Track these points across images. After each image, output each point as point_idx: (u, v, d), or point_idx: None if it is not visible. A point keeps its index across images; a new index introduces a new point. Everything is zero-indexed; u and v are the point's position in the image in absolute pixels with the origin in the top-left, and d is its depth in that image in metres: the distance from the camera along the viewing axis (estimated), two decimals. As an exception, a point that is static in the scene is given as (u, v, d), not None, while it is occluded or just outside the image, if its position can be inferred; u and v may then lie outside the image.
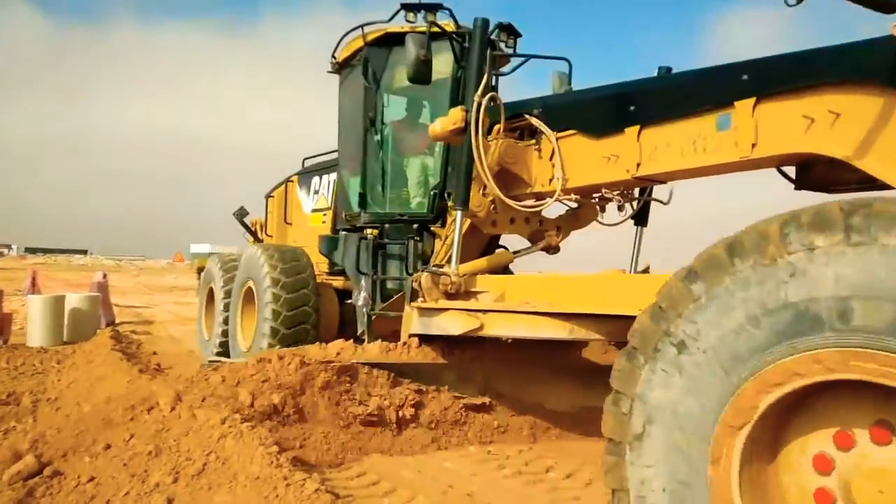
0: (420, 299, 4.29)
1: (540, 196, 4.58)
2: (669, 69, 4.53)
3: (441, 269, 4.20)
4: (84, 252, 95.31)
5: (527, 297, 3.97)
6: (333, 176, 7.14)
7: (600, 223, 4.78)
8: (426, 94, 5.94)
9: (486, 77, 4.13)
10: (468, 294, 4.22)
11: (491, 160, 4.54)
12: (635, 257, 4.91)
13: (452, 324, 3.92)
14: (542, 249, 4.96)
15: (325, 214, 7.27)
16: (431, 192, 5.66)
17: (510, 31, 5.71)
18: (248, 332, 6.57)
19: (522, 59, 5.66)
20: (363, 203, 6.00)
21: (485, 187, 4.59)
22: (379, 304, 5.82)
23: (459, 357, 4.45)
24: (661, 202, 4.48)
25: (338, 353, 4.36)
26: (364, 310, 5.80)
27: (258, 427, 3.34)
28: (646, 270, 4.98)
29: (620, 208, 4.45)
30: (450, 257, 4.40)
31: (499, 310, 3.78)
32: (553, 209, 5.01)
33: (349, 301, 6.55)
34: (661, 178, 3.78)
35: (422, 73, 4.91)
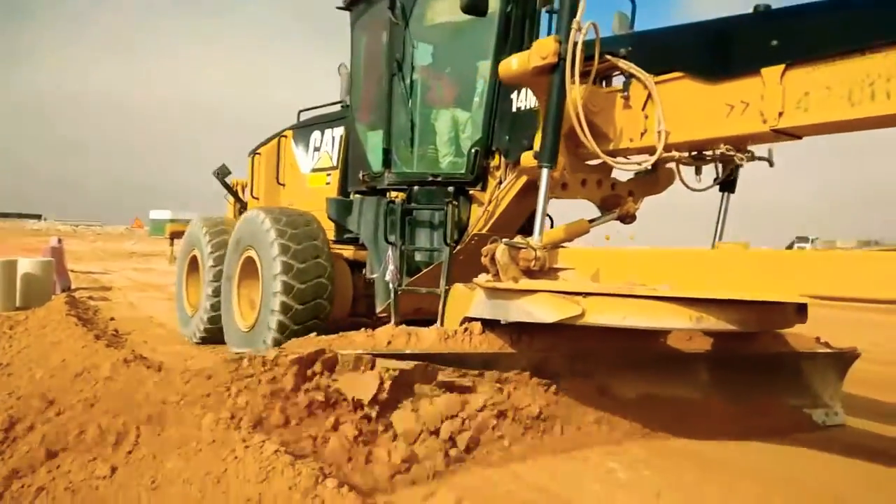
0: (487, 276, 3.52)
1: (625, 153, 3.85)
2: (768, 6, 3.80)
3: (521, 241, 3.42)
4: (38, 217, 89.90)
5: (629, 276, 3.25)
6: (339, 130, 6.22)
7: (688, 187, 4.08)
8: (466, 33, 5.07)
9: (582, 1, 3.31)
10: (550, 271, 3.47)
11: (570, 108, 3.78)
12: (720, 230, 4.23)
13: (544, 309, 3.17)
14: (618, 218, 4.25)
15: (328, 174, 6.36)
16: (472, 150, 4.83)
17: None
18: (247, 309, 5.69)
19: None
20: (388, 161, 5.14)
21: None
22: (405, 279, 5.04)
23: (529, 345, 3.71)
24: (767, 161, 3.77)
25: (389, 343, 3.57)
26: (391, 285, 4.99)
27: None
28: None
29: (698, 171, 3.77)
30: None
31: (607, 293, 3.05)
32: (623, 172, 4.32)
33: (363, 273, 5.74)
34: (811, 132, 3.08)
35: (476, 3, 4.07)
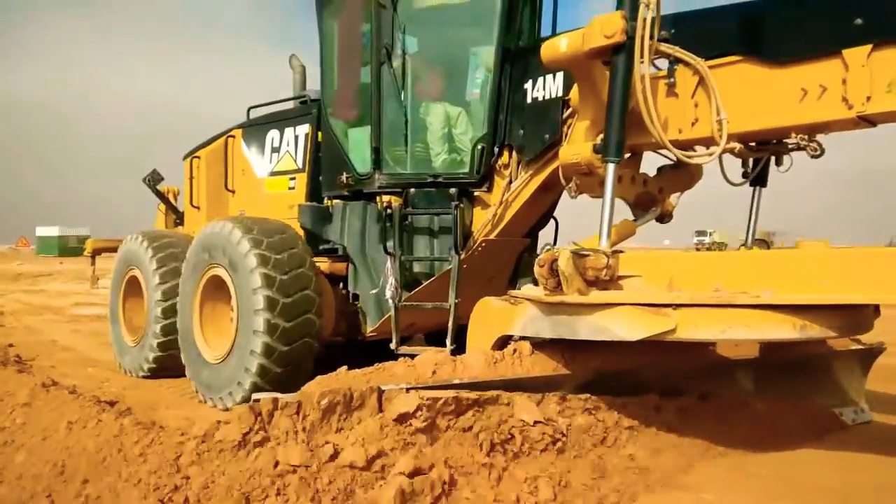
0: (543, 288, 3.06)
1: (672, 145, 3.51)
2: None
3: (586, 247, 2.97)
4: None
5: (712, 282, 2.89)
6: (304, 128, 5.54)
7: (729, 182, 3.80)
8: (465, 16, 4.57)
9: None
10: (616, 280, 3.05)
11: (604, 98, 3.39)
12: (752, 226, 3.99)
13: (627, 325, 2.75)
14: (657, 218, 3.91)
15: (292, 178, 5.66)
16: (477, 147, 4.34)
17: None
18: (214, 335, 4.90)
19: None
20: (377, 162, 4.55)
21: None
22: (403, 293, 4.49)
23: (584, 364, 3.29)
24: (813, 155, 3.52)
25: (434, 372, 3.03)
26: (391, 301, 4.43)
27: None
28: (764, 242, 4.11)
29: (744, 163, 3.51)
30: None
31: (703, 303, 2.67)
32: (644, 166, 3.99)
33: (340, 289, 5.11)
34: (904, 119, 2.84)
35: None
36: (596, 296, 2.86)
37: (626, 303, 2.78)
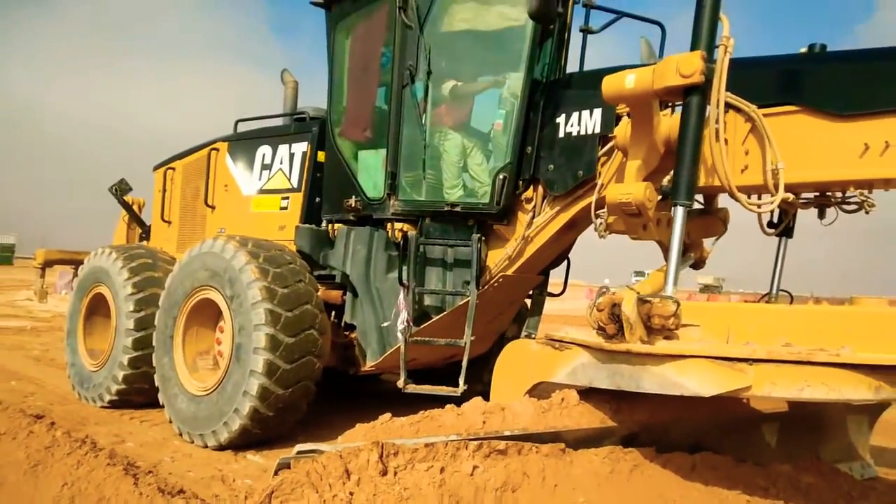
0: (598, 334, 2.87)
1: (718, 191, 3.45)
2: (824, 46, 3.64)
3: (650, 294, 2.81)
4: None
5: (775, 336, 2.78)
6: (301, 146, 5.24)
7: (764, 231, 3.76)
8: (494, 42, 4.42)
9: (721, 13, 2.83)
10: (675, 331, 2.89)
11: (658, 138, 3.30)
12: (777, 278, 3.96)
13: (700, 380, 2.58)
14: (693, 265, 3.81)
15: (285, 197, 5.32)
16: (499, 177, 4.16)
17: None
18: (198, 369, 4.46)
19: (615, 16, 4.43)
20: (393, 187, 4.30)
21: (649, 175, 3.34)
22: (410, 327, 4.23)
23: (630, 416, 3.11)
24: (868, 210, 3.51)
25: (484, 422, 2.77)
26: (401, 335, 4.15)
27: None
28: (787, 294, 4.07)
29: (821, 214, 3.47)
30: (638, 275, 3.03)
31: (781, 359, 2.54)
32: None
33: (335, 318, 4.78)
34: None
35: (546, 8, 3.50)
36: (665, 346, 2.69)
37: (698, 355, 2.62)
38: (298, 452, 2.33)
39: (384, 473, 2.34)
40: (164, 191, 6.43)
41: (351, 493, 2.23)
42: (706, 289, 48.65)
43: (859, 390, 2.54)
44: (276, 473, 2.27)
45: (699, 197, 3.93)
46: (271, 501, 2.15)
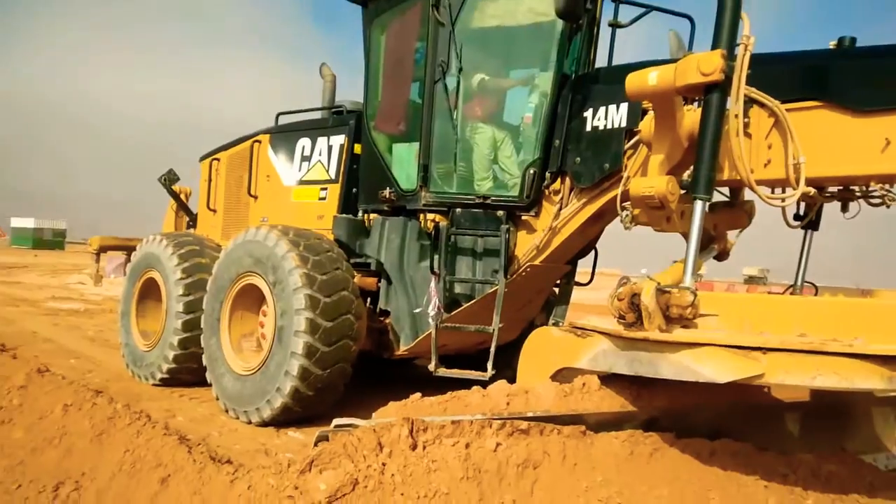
0: (619, 322, 3.01)
1: (741, 184, 3.52)
2: (854, 40, 3.65)
3: (670, 284, 2.93)
4: None
5: (791, 327, 2.87)
6: (339, 139, 5.45)
7: (788, 224, 3.82)
8: (524, 40, 4.55)
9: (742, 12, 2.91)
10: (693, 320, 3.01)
11: (681, 133, 3.38)
12: (803, 270, 4.01)
13: (714, 367, 2.70)
14: (715, 256, 3.90)
15: (323, 188, 5.55)
16: (528, 171, 4.30)
17: None
18: (241, 347, 4.75)
19: (644, 10, 4.50)
20: (425, 179, 4.48)
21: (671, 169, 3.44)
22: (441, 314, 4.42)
23: (649, 402, 3.24)
24: (890, 204, 3.56)
25: (508, 403, 2.95)
26: (432, 321, 4.34)
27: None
28: (812, 285, 4.12)
29: (844, 207, 3.52)
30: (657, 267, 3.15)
31: (794, 348, 2.64)
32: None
33: (370, 304, 5.00)
34: None
35: (573, 6, 3.61)
36: (682, 334, 2.82)
37: (713, 343, 2.74)
38: (336, 426, 2.55)
39: (414, 447, 2.55)
40: (210, 180, 6.74)
41: (383, 464, 2.43)
42: (750, 280, 47.58)
43: (871, 380, 2.63)
44: (315, 445, 2.49)
45: (725, 190, 4.02)
46: (311, 469, 2.37)
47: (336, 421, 2.58)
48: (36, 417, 3.50)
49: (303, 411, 4.42)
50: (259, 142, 6.16)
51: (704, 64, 2.85)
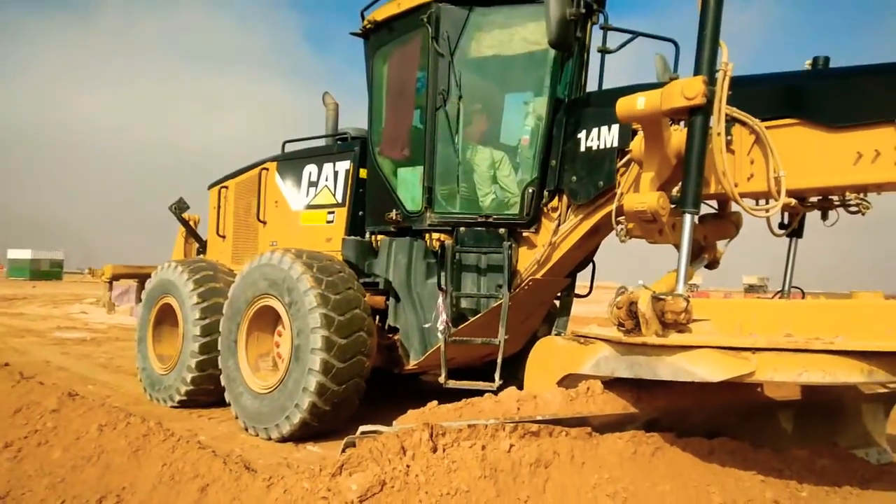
0: (618, 329, 3.23)
1: (726, 197, 3.77)
2: (827, 59, 3.93)
3: (664, 291, 3.17)
4: None
5: (779, 328, 3.10)
6: (344, 164, 5.70)
7: (774, 234, 4.07)
8: (518, 67, 4.83)
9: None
10: (687, 325, 3.24)
11: (669, 151, 3.64)
12: (789, 276, 4.25)
13: (708, 367, 2.93)
14: (707, 265, 4.14)
15: (330, 212, 5.79)
16: (527, 190, 4.56)
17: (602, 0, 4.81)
18: (258, 367, 4.96)
19: (630, 36, 4.79)
20: (430, 200, 4.73)
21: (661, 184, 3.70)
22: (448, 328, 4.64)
23: (650, 404, 3.46)
24: (864, 212, 3.83)
25: (518, 409, 3.16)
26: (441, 335, 4.56)
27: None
28: (799, 290, 4.36)
29: (824, 216, 3.78)
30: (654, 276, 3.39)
31: (781, 347, 2.87)
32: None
33: (379, 322, 5.22)
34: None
35: (565, 37, 3.88)
36: (677, 338, 3.04)
37: (706, 345, 2.97)
38: (362, 433, 2.76)
39: (434, 450, 2.75)
40: (219, 207, 6.98)
41: (408, 466, 2.64)
42: (751, 288, 47.84)
43: (853, 374, 2.85)
44: (343, 451, 2.70)
45: (713, 202, 4.27)
46: (342, 472, 2.58)
47: (362, 428, 2.79)
48: (72, 438, 3.69)
49: (320, 426, 4.61)
50: (266, 169, 6.41)
51: (688, 89, 3.11)
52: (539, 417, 3.11)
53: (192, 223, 7.56)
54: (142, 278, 7.67)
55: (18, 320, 16.05)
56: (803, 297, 4.25)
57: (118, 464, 3.28)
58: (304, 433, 4.60)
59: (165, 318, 6.05)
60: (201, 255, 7.26)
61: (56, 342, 11.50)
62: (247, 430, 4.89)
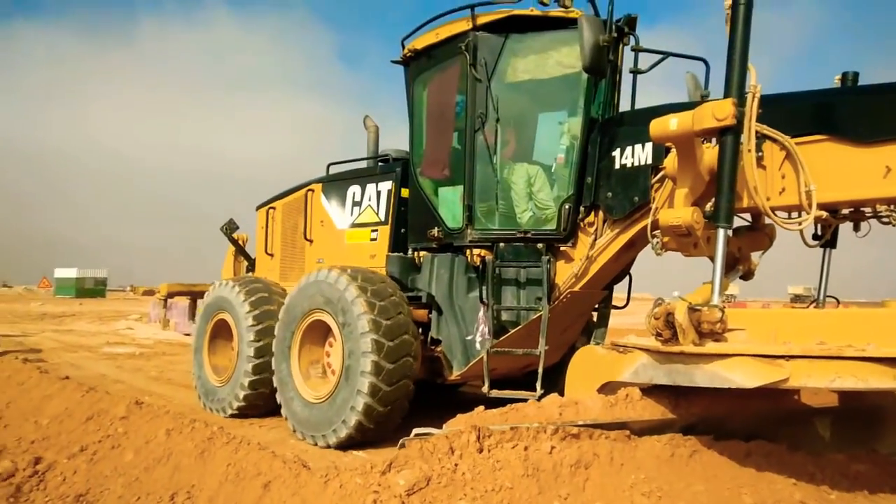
0: (656, 338, 3.39)
1: (759, 211, 3.90)
2: (857, 75, 4.04)
3: (700, 302, 3.32)
4: None
5: (812, 336, 3.21)
6: (386, 185, 5.98)
7: (807, 244, 4.18)
8: (553, 90, 5.06)
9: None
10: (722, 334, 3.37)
11: (702, 168, 3.80)
12: (824, 285, 4.34)
13: (744, 374, 3.06)
14: (742, 276, 4.27)
15: (374, 230, 6.06)
16: (563, 206, 4.75)
17: (633, 24, 5.01)
18: (310, 378, 5.24)
19: (661, 56, 4.98)
20: (471, 218, 4.96)
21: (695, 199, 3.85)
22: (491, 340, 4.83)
23: (687, 410, 3.59)
24: (892, 222, 3.92)
25: (560, 414, 3.34)
26: (481, 347, 4.77)
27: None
28: (835, 299, 4.44)
29: (856, 227, 3.88)
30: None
31: (814, 355, 3.00)
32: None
33: (422, 334, 5.44)
34: None
35: (599, 62, 4.09)
36: (713, 346, 3.18)
37: (742, 353, 3.11)
38: (415, 434, 2.97)
39: (480, 450, 2.95)
40: (267, 227, 7.33)
41: (455, 464, 2.84)
42: (797, 298, 46.74)
43: (884, 380, 2.96)
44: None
45: (747, 216, 4.39)
46: (391, 469, 2.80)
47: (415, 431, 3.00)
48: (142, 442, 4.00)
49: (364, 439, 4.86)
50: (312, 190, 6.73)
51: (718, 111, 3.28)
52: (580, 422, 3.27)
53: (240, 242, 7.92)
54: (195, 296, 8.05)
55: (70, 336, 16.73)
56: (838, 307, 4.34)
57: (186, 464, 3.55)
58: (349, 444, 4.85)
59: (221, 332, 6.39)
60: (250, 273, 7.60)
61: (107, 357, 11.98)
62: (295, 432, 5.16)
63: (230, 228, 7.56)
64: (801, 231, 4.13)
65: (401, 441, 2.96)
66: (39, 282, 53.56)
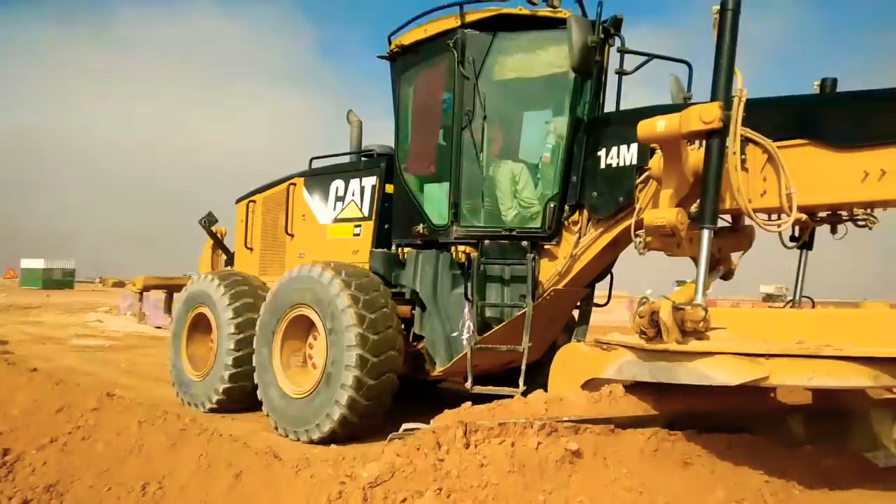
0: (640, 336, 3.44)
1: (740, 212, 3.98)
2: (835, 80, 4.16)
3: (683, 301, 3.38)
4: None
5: (791, 336, 3.30)
6: (370, 180, 5.95)
7: (785, 246, 4.28)
8: (540, 88, 5.09)
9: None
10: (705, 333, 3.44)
11: (687, 170, 3.87)
12: (800, 286, 4.45)
13: (724, 372, 3.13)
14: (722, 276, 4.35)
15: (357, 225, 6.04)
16: (549, 205, 4.79)
17: (619, 25, 5.06)
18: (292, 372, 5.20)
19: (646, 58, 5.04)
20: (456, 215, 4.97)
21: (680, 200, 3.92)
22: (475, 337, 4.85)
23: (669, 406, 3.65)
24: (871, 227, 4.04)
25: (546, 410, 3.37)
26: (465, 343, 4.78)
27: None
28: (810, 299, 4.55)
29: (833, 229, 3.99)
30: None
31: (793, 353, 3.08)
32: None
33: (408, 332, 5.44)
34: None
35: (587, 62, 4.13)
36: (696, 345, 3.25)
37: (724, 352, 3.17)
38: (404, 430, 2.98)
39: (467, 446, 2.97)
40: (247, 220, 7.24)
41: (441, 459, 2.85)
42: (769, 297, 47.78)
43: (860, 378, 3.06)
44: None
45: (728, 217, 4.48)
46: (362, 462, 2.81)
47: (404, 426, 3.01)
48: (113, 433, 3.98)
49: (345, 435, 4.84)
50: (294, 184, 6.67)
51: (705, 114, 3.35)
52: (566, 418, 3.31)
53: (219, 235, 7.82)
54: (171, 289, 7.93)
55: (38, 328, 16.39)
56: (814, 307, 4.45)
57: (158, 455, 3.53)
58: (331, 440, 4.83)
59: (199, 325, 6.30)
60: (229, 266, 7.51)
61: (76, 349, 11.78)
62: (276, 429, 5.13)
63: (209, 221, 7.47)
64: (779, 233, 4.24)
65: (390, 436, 2.96)
66: (4, 272, 52.22)
